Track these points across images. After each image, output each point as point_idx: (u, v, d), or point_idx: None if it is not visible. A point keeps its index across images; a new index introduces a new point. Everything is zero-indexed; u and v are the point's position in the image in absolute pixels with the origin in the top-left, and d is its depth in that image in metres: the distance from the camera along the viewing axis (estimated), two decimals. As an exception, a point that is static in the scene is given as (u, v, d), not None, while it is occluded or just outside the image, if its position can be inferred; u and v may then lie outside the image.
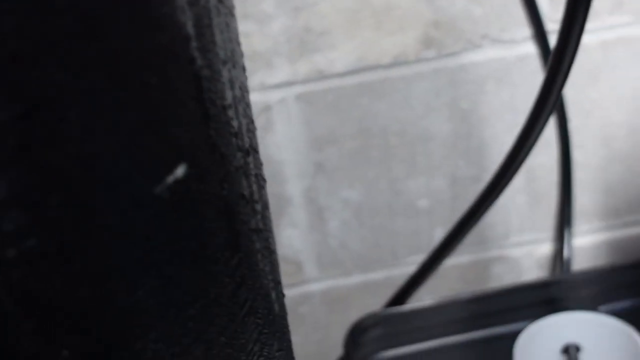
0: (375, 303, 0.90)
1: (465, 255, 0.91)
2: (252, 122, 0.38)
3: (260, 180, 0.40)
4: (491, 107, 0.82)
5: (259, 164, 0.40)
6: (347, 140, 0.82)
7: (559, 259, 0.91)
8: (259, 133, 0.78)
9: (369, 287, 0.91)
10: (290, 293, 0.90)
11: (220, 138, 0.32)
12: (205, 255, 0.32)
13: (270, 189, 0.85)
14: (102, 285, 0.27)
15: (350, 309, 0.92)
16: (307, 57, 0.77)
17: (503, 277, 0.93)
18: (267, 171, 0.80)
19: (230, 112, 0.33)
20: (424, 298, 0.86)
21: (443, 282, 0.92)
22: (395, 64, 0.78)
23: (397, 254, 0.89)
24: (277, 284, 0.44)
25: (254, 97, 0.78)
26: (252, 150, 0.37)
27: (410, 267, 0.85)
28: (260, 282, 0.38)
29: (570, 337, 0.80)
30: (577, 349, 0.80)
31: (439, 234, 0.87)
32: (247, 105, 0.37)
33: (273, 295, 0.42)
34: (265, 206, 0.42)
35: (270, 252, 0.42)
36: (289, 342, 0.50)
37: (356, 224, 0.86)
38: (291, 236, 0.86)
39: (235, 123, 0.34)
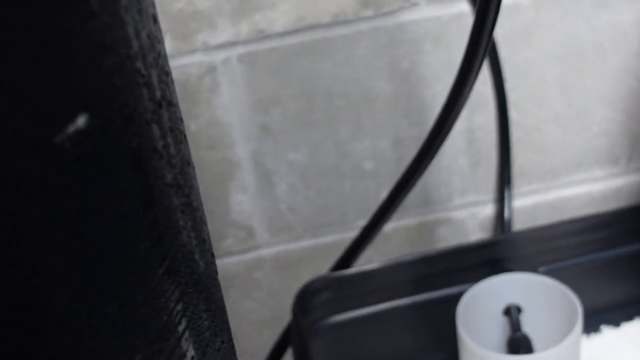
0: (326, 267, 0.82)
1: (411, 218, 0.83)
2: (166, 73, 0.33)
3: (178, 135, 0.35)
4: (430, 67, 0.74)
5: (175, 118, 0.34)
6: (291, 102, 0.74)
7: (499, 220, 0.84)
8: (206, 95, 0.71)
9: (320, 251, 0.83)
10: (244, 259, 0.82)
11: (127, 88, 0.28)
12: (116, 210, 0.28)
13: (219, 152, 0.78)
14: (3, 242, 0.24)
15: (303, 273, 0.84)
16: (249, 17, 0.68)
17: (448, 239, 0.85)
18: (214, 134, 0.72)
19: (138, 62, 0.29)
20: (373, 261, 0.78)
21: (390, 245, 0.84)
22: (335, 23, 0.70)
23: (346, 218, 0.81)
24: (202, 241, 0.38)
25: (198, 58, 0.69)
26: (166, 102, 0.32)
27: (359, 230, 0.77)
28: (180, 240, 0.33)
29: (512, 298, 0.72)
30: (519, 309, 0.72)
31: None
32: (160, 55, 0.32)
33: (197, 253, 0.36)
34: (186, 162, 0.36)
35: (192, 209, 0.36)
36: (219, 302, 0.43)
37: (304, 188, 0.78)
38: (241, 201, 0.78)
39: (144, 73, 0.30)
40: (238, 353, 0.85)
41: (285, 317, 0.78)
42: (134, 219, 0.29)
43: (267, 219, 0.79)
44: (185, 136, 0.36)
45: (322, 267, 0.81)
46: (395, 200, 0.65)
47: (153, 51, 0.31)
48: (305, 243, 0.81)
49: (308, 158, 0.76)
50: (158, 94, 0.31)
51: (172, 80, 0.34)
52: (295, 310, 0.68)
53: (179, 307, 0.34)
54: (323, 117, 0.74)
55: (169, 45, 0.68)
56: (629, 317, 0.80)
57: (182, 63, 0.69)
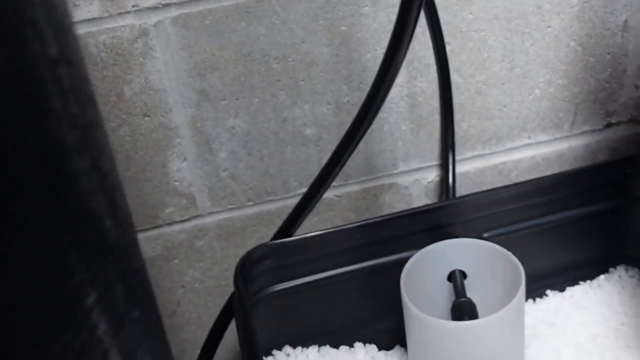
0: (271, 235, 0.79)
1: (355, 185, 0.81)
2: (63, 30, 0.30)
3: (82, 96, 0.31)
4: (370, 29, 0.71)
5: (78, 77, 0.32)
6: (228, 67, 0.70)
7: (444, 185, 0.81)
8: (139, 60, 0.67)
9: (264, 219, 0.80)
10: (186, 228, 0.79)
11: (15, 43, 0.26)
12: (8, 174, 0.25)
13: (156, 119, 0.74)
14: None
15: (247, 241, 0.81)
16: (181, -23, 0.65)
17: (393, 206, 0.83)
18: (150, 101, 0.69)
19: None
20: (317, 229, 0.75)
21: (334, 213, 0.82)
22: (271, -16, 0.67)
23: (288, 185, 0.79)
24: (116, 209, 0.34)
25: (129, 21, 0.66)
26: (65, 60, 0.29)
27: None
28: (87, 207, 0.31)
29: (456, 264, 0.70)
30: (463, 275, 0.71)
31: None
32: (54, 9, 0.29)
33: (108, 221, 0.33)
34: (92, 124, 0.32)
35: (102, 173, 0.33)
36: (137, 271, 0.40)
37: (245, 155, 0.75)
38: (181, 169, 0.75)
39: (36, 29, 0.27)
40: (184, 323, 0.83)
41: (230, 286, 0.75)
42: (28, 182, 0.27)
43: (208, 187, 0.76)
44: (93, 97, 0.33)
45: (267, 235, 0.78)
46: (335, 166, 0.62)
47: (44, 4, 0.28)
48: (248, 211, 0.78)
49: (248, 124, 0.73)
50: (54, 51, 0.28)
51: (74, 38, 0.31)
52: (237, 280, 0.65)
53: (87, 277, 0.31)
54: (262, 82, 0.71)
55: (98, 7, 0.64)
56: (574, 282, 0.79)
57: (112, 26, 0.65)
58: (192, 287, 0.82)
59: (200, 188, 0.76)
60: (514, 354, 0.67)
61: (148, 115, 0.70)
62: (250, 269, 0.68)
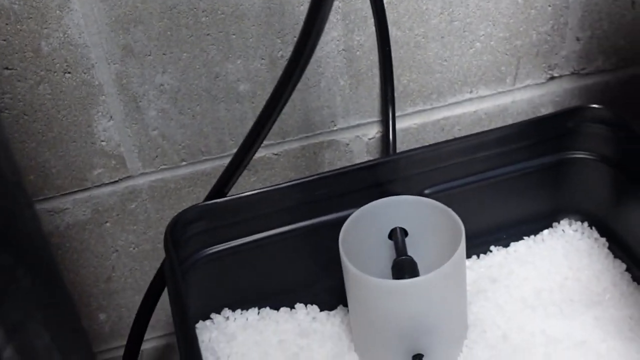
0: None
1: (294, 143, 0.76)
2: None
3: None
4: (303, -22, 0.67)
5: None
6: (153, 20, 0.65)
7: (384, 142, 0.78)
8: (56, 13, 0.61)
9: (199, 179, 0.76)
10: (117, 190, 0.74)
11: None
12: None
13: (77, 76, 0.68)
14: None
15: (182, 203, 0.76)
16: None
17: (334, 163, 0.79)
18: (70, 56, 0.63)
19: None
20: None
21: (273, 172, 0.77)
22: None
23: (223, 143, 0.74)
24: None
25: (42, -30, 0.61)
26: None
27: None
28: None
29: (397, 221, 0.66)
30: (404, 233, 0.67)
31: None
32: None
33: None
34: None
35: None
36: (26, 236, 0.34)
37: (175, 113, 0.70)
38: (107, 128, 0.69)
39: None
40: (120, 288, 0.78)
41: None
42: None
43: (138, 147, 0.71)
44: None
45: (203, 196, 0.74)
46: (266, 123, 0.58)
47: None
48: (183, 171, 0.74)
49: (177, 81, 0.68)
50: None
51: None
52: (167, 244, 0.61)
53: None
54: (190, 36, 0.66)
55: (6, -47, 0.58)
56: (518, 237, 0.76)
57: (23, -25, 0.59)
58: (126, 251, 0.77)
59: (130, 148, 0.71)
60: (457, 311, 0.64)
61: (69, 72, 0.65)
62: (181, 232, 0.63)
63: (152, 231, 0.76)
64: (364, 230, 0.65)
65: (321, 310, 0.71)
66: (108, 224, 0.75)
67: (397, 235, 0.66)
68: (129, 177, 0.73)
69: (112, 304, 0.81)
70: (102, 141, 0.69)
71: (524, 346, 0.66)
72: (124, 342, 0.74)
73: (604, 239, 0.74)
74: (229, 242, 0.67)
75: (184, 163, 0.73)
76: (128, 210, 0.74)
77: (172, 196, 0.75)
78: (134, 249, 0.77)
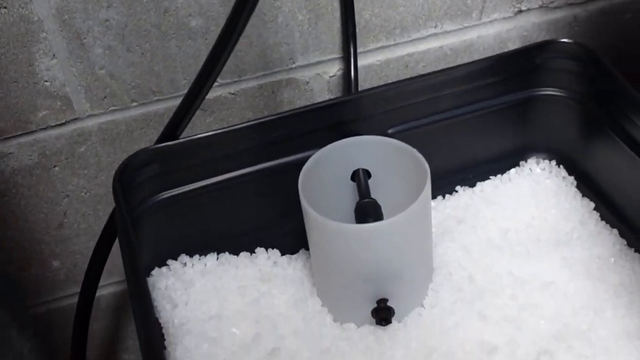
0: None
1: (251, 82, 0.71)
2: None
3: None
4: None
5: None
6: (94, -53, 0.59)
7: (346, 79, 0.73)
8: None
9: (152, 120, 0.71)
10: (64, 132, 0.68)
11: None
12: None
13: (14, 11, 0.61)
14: None
15: (134, 146, 0.71)
16: None
17: (294, 103, 0.74)
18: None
19: None
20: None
21: (230, 112, 0.72)
22: None
23: (176, 83, 0.69)
24: None
25: None
26: None
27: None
28: None
29: (359, 163, 0.62)
30: (367, 174, 0.63)
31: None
32: None
33: None
34: None
35: None
36: None
37: (123, 50, 0.65)
38: (50, 67, 0.64)
39: None
40: (74, 235, 0.73)
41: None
42: None
43: (85, 87, 0.65)
44: None
45: (156, 139, 0.68)
46: (220, 59, 0.53)
47: None
48: (133, 112, 0.69)
49: (124, 16, 0.62)
50: None
51: None
52: (116, 189, 0.56)
53: None
54: (134, -35, 0.60)
55: None
56: (484, 176, 0.72)
57: None
58: (78, 196, 0.72)
59: (75, 88, 0.65)
60: (422, 254, 0.61)
61: (4, 7, 0.59)
62: (132, 177, 0.59)
63: (104, 175, 0.71)
64: (325, 172, 0.61)
65: (282, 255, 0.68)
66: (57, 169, 0.70)
67: (360, 177, 0.62)
68: (76, 119, 0.67)
69: (66, 251, 0.76)
70: (46, 81, 0.64)
71: (490, 288, 0.63)
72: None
73: (572, 178, 0.72)
74: (183, 187, 0.63)
75: (134, 104, 0.68)
76: (77, 153, 0.69)
77: (124, 139, 0.70)
78: (85, 193, 0.72)
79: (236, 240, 0.67)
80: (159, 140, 0.59)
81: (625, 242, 0.66)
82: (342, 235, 0.56)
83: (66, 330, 0.78)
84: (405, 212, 0.56)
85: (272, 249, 0.68)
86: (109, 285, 0.82)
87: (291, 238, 0.67)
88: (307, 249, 0.65)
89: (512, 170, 0.73)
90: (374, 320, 0.60)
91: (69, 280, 0.80)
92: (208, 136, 0.60)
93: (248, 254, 0.68)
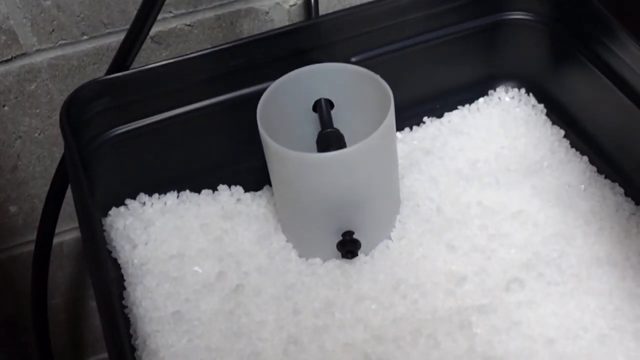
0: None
1: (208, 12, 0.68)
2: None
3: None
4: None
5: None
6: None
7: (306, 7, 0.69)
8: None
9: (104, 55, 0.67)
10: (11, 69, 0.65)
11: None
12: None
13: None
14: None
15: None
16: None
17: (253, 33, 0.71)
18: None
19: None
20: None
21: (187, 44, 0.69)
22: None
23: (128, 14, 0.65)
24: None
25: None
26: None
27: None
28: None
29: (321, 92, 0.59)
30: (330, 104, 0.60)
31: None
32: None
33: None
34: None
35: None
36: None
37: (69, -23, 0.61)
38: (-8, -3, 0.60)
39: None
40: (29, 178, 0.69)
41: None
42: None
43: (30, 20, 0.62)
44: None
45: (110, 74, 0.65)
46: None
47: None
48: (84, 46, 0.65)
49: (67, -61, 0.58)
50: None
51: None
52: (64, 125, 0.53)
53: None
54: None
55: None
56: (452, 107, 0.70)
57: None
58: (31, 138, 0.69)
59: (20, 21, 0.62)
60: (388, 185, 0.59)
61: None
62: (81, 111, 0.56)
63: (57, 114, 0.68)
64: (285, 102, 0.58)
65: (246, 191, 0.65)
66: (6, 108, 0.66)
67: (322, 107, 0.60)
68: (23, 55, 0.64)
69: (23, 195, 0.73)
70: (-12, 13, 0.60)
71: (459, 218, 0.61)
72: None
73: (541, 106, 0.70)
74: (137, 121, 0.60)
75: (85, 37, 0.65)
76: (27, 91, 0.66)
77: (76, 75, 0.66)
78: (39, 134, 0.69)
79: (197, 178, 0.65)
80: (108, 72, 0.56)
81: (595, 169, 0.65)
82: (303, 165, 0.54)
83: (28, 277, 0.75)
84: (368, 140, 0.53)
85: (235, 186, 0.65)
86: (71, 231, 0.80)
87: (255, 174, 0.64)
88: (271, 185, 0.62)
89: (481, 100, 0.71)
90: (340, 255, 0.58)
91: (28, 226, 0.77)
92: (160, 66, 0.57)
93: (210, 191, 0.65)
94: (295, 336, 0.55)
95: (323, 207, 0.56)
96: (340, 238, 0.57)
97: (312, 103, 0.60)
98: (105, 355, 0.91)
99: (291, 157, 0.54)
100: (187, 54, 0.58)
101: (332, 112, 0.60)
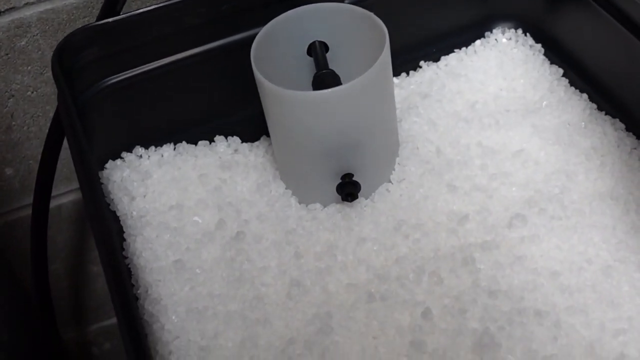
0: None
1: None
2: None
3: None
4: None
5: None
6: None
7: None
8: None
9: (94, 7, 0.66)
10: (1, 24, 0.64)
11: None
12: None
13: None
14: None
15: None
16: None
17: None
18: None
19: None
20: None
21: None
22: None
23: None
24: None
25: None
26: None
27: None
28: None
29: (315, 34, 0.59)
30: (324, 47, 0.59)
31: None
32: None
33: None
34: None
35: None
36: None
37: None
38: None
39: None
40: (24, 138, 0.69)
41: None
42: None
43: (17, -30, 0.61)
44: None
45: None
46: None
47: None
48: (74, -1, 0.64)
49: None
50: None
51: None
52: (56, 73, 0.52)
53: None
54: None
55: None
56: (448, 50, 0.70)
57: None
58: (24, 96, 0.68)
59: (7, -29, 0.61)
60: (386, 126, 0.58)
61: None
62: (72, 60, 0.55)
63: (49, 71, 0.67)
64: (280, 45, 0.58)
65: (243, 142, 0.65)
66: (-3, 65, 0.66)
67: (317, 49, 0.59)
68: (12, 9, 0.63)
69: (18, 157, 0.73)
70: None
71: (459, 159, 0.61)
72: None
73: (539, 45, 0.69)
74: (130, 70, 0.60)
75: (74, -11, 0.64)
76: (18, 48, 0.65)
77: (67, 29, 0.66)
78: (32, 92, 0.69)
79: (193, 129, 0.64)
80: (98, 18, 0.56)
81: (595, 106, 0.64)
82: (299, 104, 0.53)
83: (26, 244, 0.75)
84: (364, 76, 0.53)
85: (232, 136, 0.65)
86: (69, 193, 0.79)
87: (251, 125, 0.64)
88: (268, 135, 0.62)
89: (478, 42, 0.70)
90: (340, 200, 0.58)
91: (25, 189, 0.76)
92: (151, 10, 0.56)
93: (207, 142, 0.65)
94: (298, 279, 0.55)
95: (321, 149, 0.56)
96: (340, 181, 0.57)
97: (307, 46, 0.60)
98: (109, 321, 0.92)
99: (287, 97, 0.53)
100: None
101: (327, 55, 0.60)
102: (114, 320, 0.93)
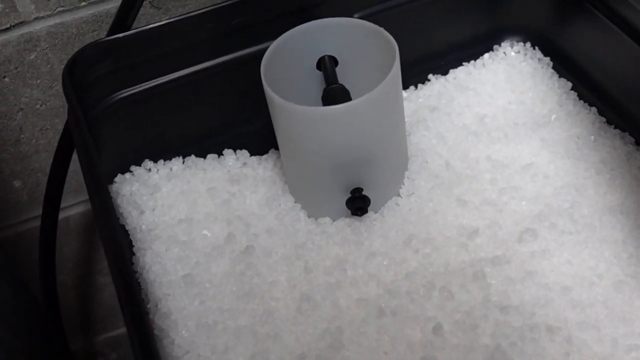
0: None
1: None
2: None
3: None
4: None
5: None
6: None
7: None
8: None
9: (104, 22, 0.66)
10: (10, 39, 0.64)
11: None
12: None
13: None
14: None
15: (87, 47, 0.67)
16: None
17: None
18: None
19: None
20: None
21: (187, 10, 0.68)
22: None
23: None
24: None
25: None
26: None
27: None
28: None
29: (325, 49, 0.59)
30: (334, 61, 0.59)
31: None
32: None
33: None
34: None
35: None
36: None
37: (65, -60, 0.61)
38: (-13, -37, 0.60)
39: None
40: (33, 151, 0.69)
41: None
42: None
43: (27, -15, 0.61)
44: None
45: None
46: None
47: None
48: (84, 13, 0.65)
49: None
50: None
51: None
52: (67, 88, 0.52)
53: None
54: None
55: None
56: (457, 63, 0.69)
57: None
58: (33, 109, 0.68)
59: (18, -13, 0.61)
60: (395, 140, 0.58)
61: None
62: (83, 74, 0.55)
63: (58, 85, 0.68)
64: (289, 60, 0.58)
65: (252, 155, 0.65)
66: (6, 79, 0.66)
67: (326, 64, 0.59)
68: (22, 23, 0.63)
69: (27, 169, 0.73)
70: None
71: (468, 173, 0.61)
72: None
73: (547, 59, 0.69)
74: (140, 85, 0.59)
75: (83, 3, 0.64)
76: (27, 61, 0.65)
77: (76, 43, 0.66)
78: (41, 105, 0.69)
79: (202, 142, 0.64)
80: (109, 33, 0.56)
81: (604, 119, 0.64)
82: (309, 119, 0.53)
83: (35, 255, 0.75)
84: (375, 91, 0.53)
85: (241, 150, 0.65)
86: (77, 205, 0.79)
87: (260, 138, 0.64)
88: (277, 148, 0.62)
89: (486, 55, 0.70)
90: (350, 214, 0.58)
91: (33, 201, 0.76)
92: (161, 25, 0.56)
93: (215, 155, 0.64)
94: (308, 294, 0.54)
95: (331, 163, 0.55)
96: (349, 196, 0.57)
97: (316, 61, 0.59)
98: (116, 332, 0.92)
99: (297, 112, 0.53)
100: (188, 12, 0.57)
101: (337, 70, 0.59)
102: (121, 330, 0.93)
